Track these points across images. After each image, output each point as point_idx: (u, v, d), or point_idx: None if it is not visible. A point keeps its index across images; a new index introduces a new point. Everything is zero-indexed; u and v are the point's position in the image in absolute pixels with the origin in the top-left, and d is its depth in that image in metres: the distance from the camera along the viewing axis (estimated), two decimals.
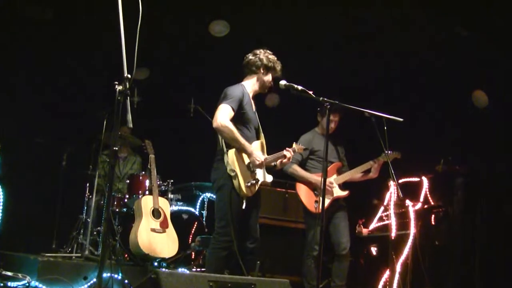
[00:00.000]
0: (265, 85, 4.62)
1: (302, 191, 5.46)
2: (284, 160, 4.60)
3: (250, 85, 4.60)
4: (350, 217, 5.58)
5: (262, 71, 4.57)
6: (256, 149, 4.46)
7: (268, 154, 4.59)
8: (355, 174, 5.54)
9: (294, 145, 4.77)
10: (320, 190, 5.17)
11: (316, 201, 5.29)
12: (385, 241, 5.73)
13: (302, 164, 5.53)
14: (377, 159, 5.44)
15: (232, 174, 4.26)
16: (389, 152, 5.33)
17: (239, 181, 4.27)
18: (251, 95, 4.59)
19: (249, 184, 4.32)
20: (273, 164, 4.61)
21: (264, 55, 4.57)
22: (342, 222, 5.43)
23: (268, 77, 4.59)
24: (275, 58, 4.60)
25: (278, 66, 4.59)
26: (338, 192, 5.44)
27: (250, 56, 4.60)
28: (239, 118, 4.41)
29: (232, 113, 4.32)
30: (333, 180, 5.47)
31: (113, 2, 3.16)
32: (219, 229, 4.34)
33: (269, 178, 4.58)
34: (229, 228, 4.26)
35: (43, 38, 6.57)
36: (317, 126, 5.67)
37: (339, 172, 5.57)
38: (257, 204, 4.53)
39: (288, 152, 4.59)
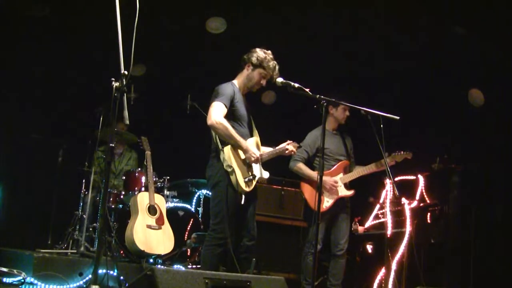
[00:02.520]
0: (252, 82, 4.55)
1: (307, 189, 5.40)
2: (287, 152, 4.57)
3: (239, 82, 4.59)
4: None
5: (249, 67, 4.54)
6: (251, 145, 4.46)
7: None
8: (361, 174, 5.40)
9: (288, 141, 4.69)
10: (323, 189, 5.19)
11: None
12: (381, 239, 5.73)
13: (310, 162, 5.45)
14: (379, 162, 5.26)
15: (229, 170, 4.26)
16: (398, 152, 5.30)
17: (237, 177, 4.27)
18: (241, 92, 4.57)
19: (246, 179, 4.33)
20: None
21: (256, 52, 4.52)
22: (343, 223, 5.37)
23: (254, 74, 4.51)
24: (267, 57, 4.49)
25: (269, 64, 4.47)
26: (343, 192, 5.36)
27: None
28: (231, 115, 4.41)
29: (225, 110, 4.32)
30: (339, 179, 5.37)
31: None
32: (214, 226, 4.34)
33: (266, 174, 4.59)
34: (224, 224, 4.26)
35: (40, 35, 6.54)
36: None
37: (346, 171, 5.47)
38: (254, 201, 4.53)
39: (290, 146, 4.56)
